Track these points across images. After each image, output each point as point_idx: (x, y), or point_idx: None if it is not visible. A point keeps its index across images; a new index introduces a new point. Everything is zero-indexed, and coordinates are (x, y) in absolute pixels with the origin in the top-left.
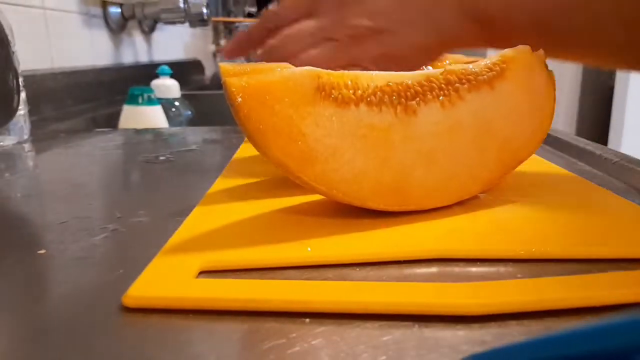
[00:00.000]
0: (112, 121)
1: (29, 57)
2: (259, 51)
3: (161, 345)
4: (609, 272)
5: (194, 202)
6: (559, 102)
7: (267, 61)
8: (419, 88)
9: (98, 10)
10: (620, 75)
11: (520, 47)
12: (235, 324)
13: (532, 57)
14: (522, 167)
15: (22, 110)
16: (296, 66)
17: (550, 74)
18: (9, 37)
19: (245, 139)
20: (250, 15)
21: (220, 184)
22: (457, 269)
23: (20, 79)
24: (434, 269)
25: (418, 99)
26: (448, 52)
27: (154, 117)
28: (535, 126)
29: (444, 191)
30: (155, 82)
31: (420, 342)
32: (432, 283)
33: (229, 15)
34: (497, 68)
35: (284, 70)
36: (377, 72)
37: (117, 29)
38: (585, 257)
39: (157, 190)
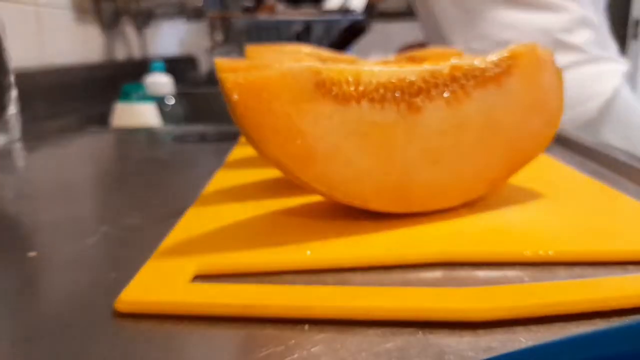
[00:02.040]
0: (105, 119)
1: (20, 54)
2: None
3: (154, 351)
4: (618, 275)
5: (189, 203)
6: None
7: None
8: (423, 84)
9: (90, 5)
10: (628, 73)
11: (529, 43)
12: (231, 330)
13: (540, 54)
14: (529, 167)
15: (13, 108)
16: None
17: (558, 71)
18: (0, 34)
19: (242, 137)
20: (247, 9)
21: (216, 184)
22: (462, 273)
23: (12, 77)
24: (438, 274)
25: (422, 95)
26: None
27: (147, 114)
28: (542, 124)
29: (448, 192)
30: (149, 79)
31: (424, 349)
32: (436, 288)
33: (225, 9)
34: (504, 64)
35: (282, 66)
36: (379, 67)
37: (110, 24)
38: (594, 260)
39: (151, 190)
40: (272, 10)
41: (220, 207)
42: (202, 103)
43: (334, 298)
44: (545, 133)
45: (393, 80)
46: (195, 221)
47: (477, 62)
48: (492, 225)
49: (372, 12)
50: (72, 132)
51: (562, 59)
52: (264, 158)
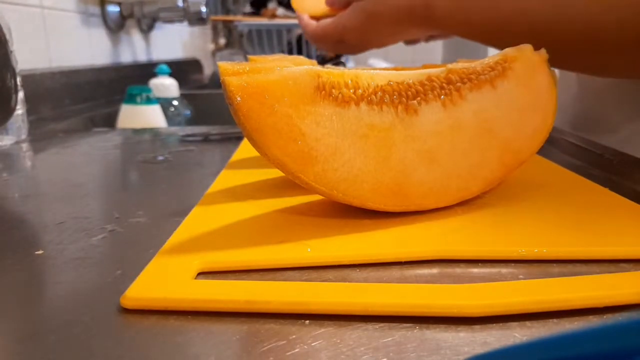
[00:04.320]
0: (110, 121)
1: (27, 57)
2: None
3: (159, 346)
4: (611, 273)
5: (193, 202)
6: (560, 102)
7: None
8: (420, 87)
9: (96, 9)
10: None
11: (523, 46)
12: (234, 326)
13: (533, 57)
14: (523, 167)
15: (20, 109)
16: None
17: (552, 73)
18: (7, 36)
19: (245, 138)
20: (249, 14)
21: (219, 184)
22: (458, 270)
23: (18, 79)
24: (435, 270)
25: (419, 98)
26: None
27: (152, 116)
28: (536, 126)
29: (444, 191)
30: (153, 81)
31: (421, 344)
32: (433, 284)
33: (228, 14)
34: (499, 67)
35: (283, 69)
36: (377, 71)
37: (116, 28)
38: (587, 258)
39: (156, 190)
40: (273, 14)
41: (224, 206)
42: (206, 105)
43: (334, 294)
44: (538, 134)
45: (391, 83)
46: (200, 220)
47: (473, 65)
48: (487, 223)
49: None
50: (78, 133)
51: None
52: (265, 158)
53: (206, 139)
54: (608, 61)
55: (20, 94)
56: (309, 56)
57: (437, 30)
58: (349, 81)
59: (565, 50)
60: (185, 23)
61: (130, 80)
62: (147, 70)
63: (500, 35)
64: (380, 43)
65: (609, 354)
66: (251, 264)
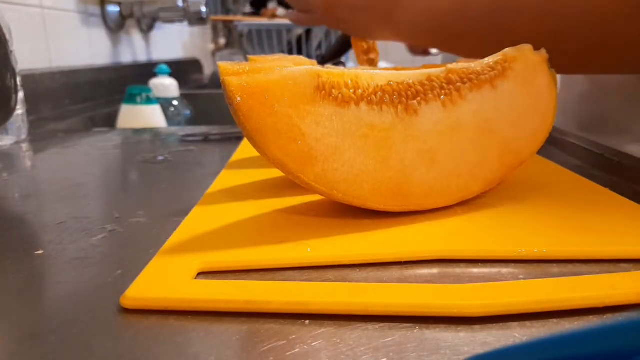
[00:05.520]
0: (110, 121)
1: (27, 57)
2: None
3: (159, 346)
4: (611, 273)
5: (193, 202)
6: (567, 101)
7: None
8: (420, 87)
9: (96, 9)
10: None
11: (522, 46)
12: (234, 326)
13: (534, 56)
14: (523, 167)
15: (20, 109)
16: None
17: (552, 73)
18: (7, 36)
19: (245, 138)
20: (249, 14)
21: (219, 184)
22: (458, 269)
23: (18, 79)
24: (435, 270)
25: (419, 98)
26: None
27: (152, 116)
28: (536, 126)
29: (444, 191)
30: (153, 81)
31: (421, 344)
32: (433, 284)
33: (228, 14)
34: (499, 67)
35: (283, 69)
36: (377, 71)
37: (116, 28)
38: (587, 258)
39: (156, 190)
40: (273, 14)
41: (224, 206)
42: (206, 105)
43: (334, 294)
44: (539, 134)
45: (391, 83)
46: (200, 220)
47: (473, 65)
48: (487, 223)
49: None
50: (78, 133)
51: None
52: (265, 159)
53: (206, 139)
54: (608, 45)
55: (20, 94)
56: (309, 56)
57: (396, 24)
58: (349, 81)
59: (555, 39)
60: (185, 23)
61: (130, 80)
62: (147, 70)
63: (474, 25)
64: (343, 18)
65: (609, 354)
66: (251, 264)
